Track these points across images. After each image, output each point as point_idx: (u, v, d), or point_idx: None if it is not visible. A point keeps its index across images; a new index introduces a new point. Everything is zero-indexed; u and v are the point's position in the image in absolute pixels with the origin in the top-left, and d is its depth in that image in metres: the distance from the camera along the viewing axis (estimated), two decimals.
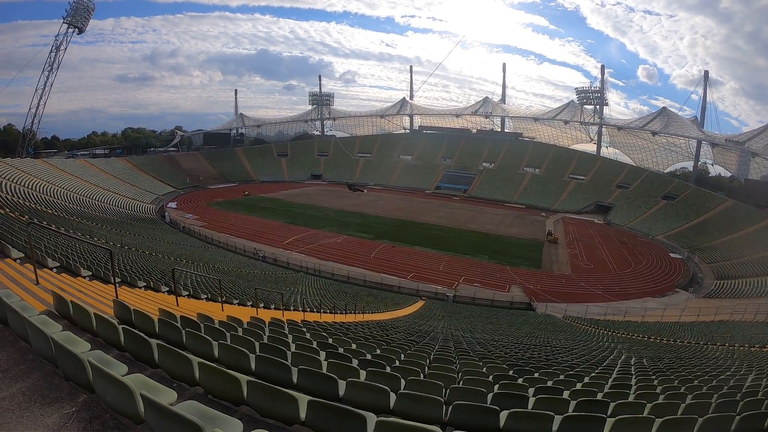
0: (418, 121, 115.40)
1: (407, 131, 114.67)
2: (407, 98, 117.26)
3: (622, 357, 12.86)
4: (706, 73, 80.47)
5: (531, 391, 6.30)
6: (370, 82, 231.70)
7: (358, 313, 19.82)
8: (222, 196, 73.04)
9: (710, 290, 39.05)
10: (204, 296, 14.77)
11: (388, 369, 6.34)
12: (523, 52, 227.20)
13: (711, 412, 5.58)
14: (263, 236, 47.28)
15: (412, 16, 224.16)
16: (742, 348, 16.77)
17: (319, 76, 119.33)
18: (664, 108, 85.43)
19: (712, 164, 77.70)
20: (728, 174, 74.66)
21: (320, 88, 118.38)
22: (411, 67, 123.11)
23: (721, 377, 9.25)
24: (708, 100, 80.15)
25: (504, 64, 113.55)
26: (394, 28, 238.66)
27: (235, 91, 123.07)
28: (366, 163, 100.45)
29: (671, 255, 51.03)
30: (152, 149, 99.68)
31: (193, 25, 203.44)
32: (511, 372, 8.34)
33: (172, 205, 63.29)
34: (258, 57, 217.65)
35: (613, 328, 23.54)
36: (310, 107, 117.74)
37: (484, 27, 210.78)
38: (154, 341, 4.38)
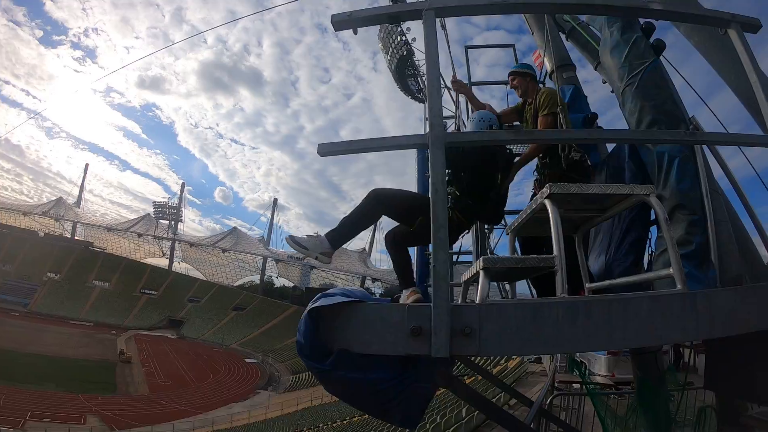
0: None
1: None
2: None
3: None
4: (275, 200, 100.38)
5: None
6: None
7: None
8: None
9: (288, 385, 44.74)
10: None
11: None
12: (109, 155, 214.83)
13: None
14: None
15: (7, 82, 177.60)
16: (325, 426, 19.82)
17: None
18: (234, 228, 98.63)
19: (277, 277, 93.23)
20: (291, 284, 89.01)
21: None
22: None
23: None
24: (275, 222, 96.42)
25: (87, 165, 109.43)
26: None
27: None
28: None
29: (247, 360, 56.23)
30: None
31: None
32: None
33: None
34: None
35: None
36: None
37: (77, 119, 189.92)
38: None
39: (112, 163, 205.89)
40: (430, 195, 1.62)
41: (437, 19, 1.98)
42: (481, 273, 1.83)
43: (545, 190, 2.00)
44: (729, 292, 2.12)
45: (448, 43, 5.54)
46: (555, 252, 1.81)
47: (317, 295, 1.88)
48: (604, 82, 4.21)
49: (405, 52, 29.29)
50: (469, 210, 2.93)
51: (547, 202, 1.93)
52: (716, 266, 2.81)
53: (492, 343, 1.57)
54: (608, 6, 2.56)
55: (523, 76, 3.80)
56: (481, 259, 1.88)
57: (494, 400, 12.43)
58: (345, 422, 20.91)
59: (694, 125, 3.23)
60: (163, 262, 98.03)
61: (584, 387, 6.25)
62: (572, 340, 1.66)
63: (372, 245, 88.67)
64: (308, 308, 1.81)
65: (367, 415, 18.04)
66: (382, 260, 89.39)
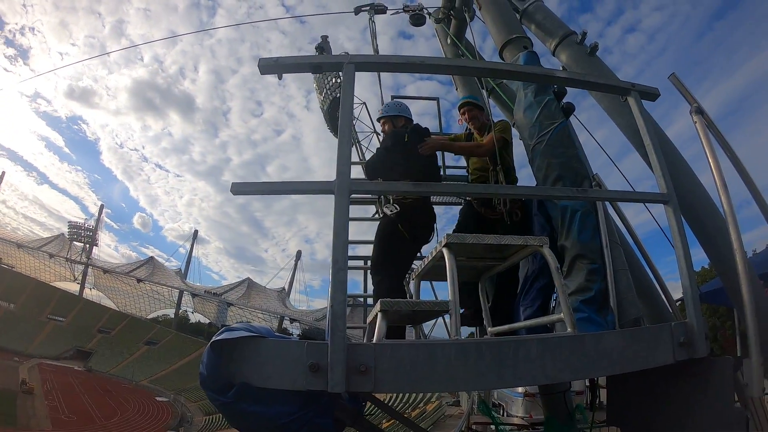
0: None
1: None
2: None
3: None
4: (196, 231, 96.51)
5: None
6: None
7: None
8: None
9: (201, 426, 44.72)
10: None
11: None
12: (28, 165, 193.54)
13: None
14: None
15: None
16: None
17: None
18: (151, 257, 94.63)
19: (192, 312, 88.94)
20: (207, 321, 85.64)
21: None
22: None
23: None
24: (194, 255, 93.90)
25: (3, 173, 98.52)
26: None
27: None
28: None
29: (157, 398, 54.06)
30: None
31: None
32: None
33: None
34: None
35: None
36: None
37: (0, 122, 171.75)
38: None
39: (30, 175, 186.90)
40: (333, 238, 1.69)
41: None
42: (379, 315, 1.94)
43: (443, 239, 2.14)
44: (617, 333, 2.31)
45: (381, 89, 5.91)
46: (450, 297, 1.94)
47: (221, 329, 1.92)
48: (521, 140, 4.52)
49: (338, 94, 29.91)
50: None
51: (445, 251, 2.08)
52: (615, 310, 3.01)
53: (387, 380, 1.66)
54: (513, 72, 2.82)
55: (481, 110, 4.00)
56: (379, 301, 2.00)
57: None
58: None
59: (596, 182, 3.54)
60: (73, 287, 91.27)
61: (496, 428, 6.42)
62: (465, 379, 1.79)
63: (291, 285, 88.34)
64: (211, 341, 1.85)
65: None
66: (301, 301, 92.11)
